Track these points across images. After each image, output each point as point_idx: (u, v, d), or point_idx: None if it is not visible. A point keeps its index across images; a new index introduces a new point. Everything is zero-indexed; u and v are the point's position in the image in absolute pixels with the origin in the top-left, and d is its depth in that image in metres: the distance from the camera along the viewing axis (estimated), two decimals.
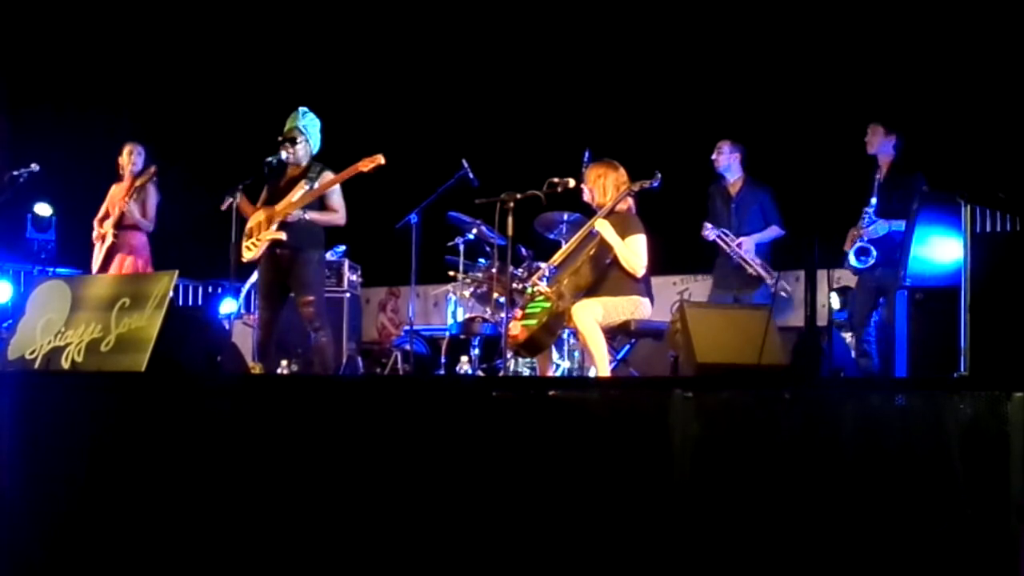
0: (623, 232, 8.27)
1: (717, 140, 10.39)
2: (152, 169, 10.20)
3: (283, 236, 9.06)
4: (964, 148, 10.07)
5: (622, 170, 8.55)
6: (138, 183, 10.22)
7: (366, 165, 9.14)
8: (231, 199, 9.28)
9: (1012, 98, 10.00)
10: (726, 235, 10.10)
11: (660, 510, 4.30)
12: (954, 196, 6.40)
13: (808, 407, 4.29)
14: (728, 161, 10.32)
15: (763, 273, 9.97)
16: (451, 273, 10.83)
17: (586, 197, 8.60)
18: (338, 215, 9.33)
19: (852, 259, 9.27)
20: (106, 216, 10.46)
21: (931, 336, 7.20)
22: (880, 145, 9.48)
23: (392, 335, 14.15)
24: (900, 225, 9.03)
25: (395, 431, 4.82)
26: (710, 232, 10.14)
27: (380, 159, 9.14)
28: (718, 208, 10.38)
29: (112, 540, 5.24)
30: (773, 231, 10.19)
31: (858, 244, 9.25)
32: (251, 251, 9.21)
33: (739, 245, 10.04)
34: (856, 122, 9.63)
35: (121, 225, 10.31)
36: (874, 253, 9.18)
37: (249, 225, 9.26)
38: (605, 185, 8.49)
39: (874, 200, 9.31)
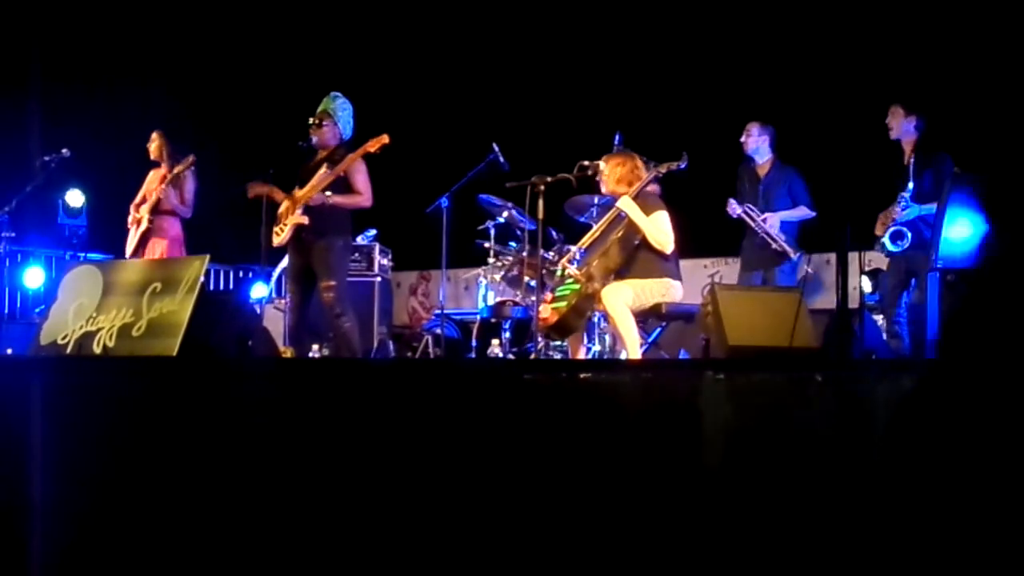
0: (645, 211, 8.29)
1: (747, 121, 10.32)
2: (191, 159, 10.15)
3: (305, 220, 9.12)
4: (994, 129, 10.03)
5: (638, 158, 8.59)
6: (176, 170, 10.18)
7: (373, 146, 9.20)
8: (257, 186, 9.36)
9: None
10: (751, 211, 10.05)
11: (691, 493, 4.29)
12: (985, 179, 6.38)
13: (840, 389, 4.28)
14: (757, 144, 10.25)
15: (787, 248, 9.89)
16: (486, 246, 10.79)
17: (602, 186, 8.63)
18: (363, 197, 9.36)
19: (887, 243, 9.18)
20: (143, 201, 10.44)
21: None
22: (902, 128, 9.42)
23: (423, 319, 14.17)
24: (930, 208, 9.00)
25: (426, 415, 4.83)
26: (735, 208, 10.09)
27: (385, 139, 9.19)
28: (746, 189, 10.29)
29: (143, 525, 5.26)
30: (801, 211, 10.10)
31: (893, 228, 9.18)
32: (279, 236, 9.27)
33: (764, 220, 9.98)
34: (884, 104, 9.58)
35: (157, 211, 10.27)
36: (909, 236, 9.11)
37: (280, 210, 9.31)
38: (638, 175, 8.50)
39: (911, 185, 9.21)
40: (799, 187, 10.14)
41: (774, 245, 9.92)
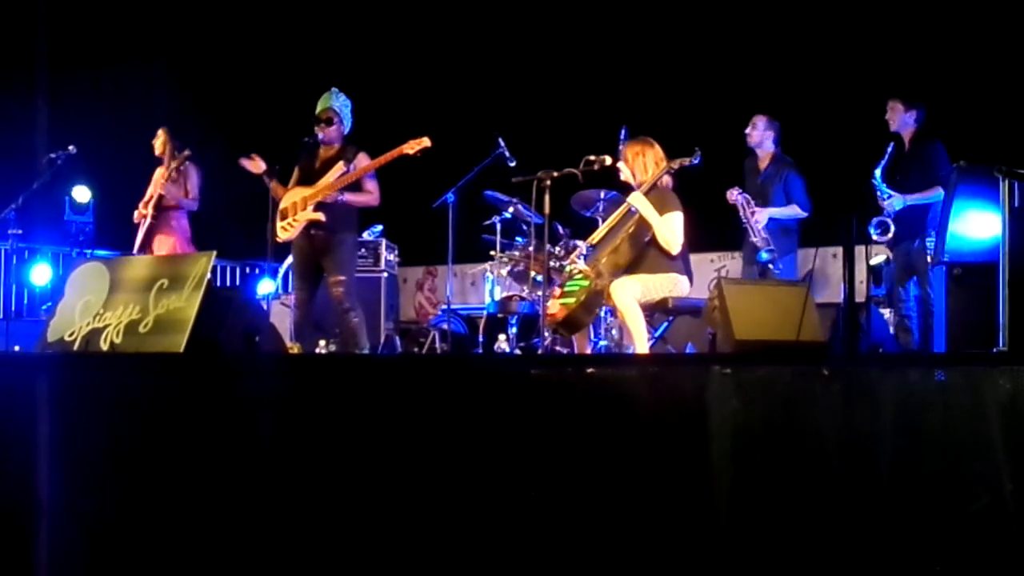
0: (660, 208, 8.25)
1: (754, 114, 10.31)
2: (185, 153, 10.24)
3: (322, 217, 9.15)
4: (1001, 121, 10.04)
5: (658, 147, 8.54)
6: (173, 165, 10.27)
7: (411, 147, 9.19)
8: (269, 168, 9.39)
9: None
10: (748, 201, 9.96)
11: (699, 487, 4.29)
12: (992, 170, 6.36)
13: (847, 383, 4.27)
14: (761, 137, 10.21)
15: (758, 241, 9.77)
16: (492, 253, 10.82)
17: (623, 176, 8.56)
18: (372, 196, 9.41)
19: (872, 232, 9.23)
20: (151, 199, 10.48)
21: (970, 311, 7.17)
22: (901, 121, 9.45)
23: (429, 314, 14.18)
24: (920, 198, 9.05)
25: (433, 410, 4.83)
26: (734, 195, 9.99)
27: (426, 141, 9.18)
28: (749, 183, 10.28)
29: (151, 521, 5.26)
30: (792, 210, 10.00)
31: (877, 218, 9.22)
32: (287, 231, 9.29)
33: (752, 213, 9.91)
34: (889, 96, 9.60)
35: (160, 207, 10.32)
36: (892, 227, 9.14)
37: (283, 206, 9.33)
38: (646, 163, 8.47)
39: (878, 172, 9.26)
40: (794, 185, 10.06)
41: (752, 237, 9.84)
